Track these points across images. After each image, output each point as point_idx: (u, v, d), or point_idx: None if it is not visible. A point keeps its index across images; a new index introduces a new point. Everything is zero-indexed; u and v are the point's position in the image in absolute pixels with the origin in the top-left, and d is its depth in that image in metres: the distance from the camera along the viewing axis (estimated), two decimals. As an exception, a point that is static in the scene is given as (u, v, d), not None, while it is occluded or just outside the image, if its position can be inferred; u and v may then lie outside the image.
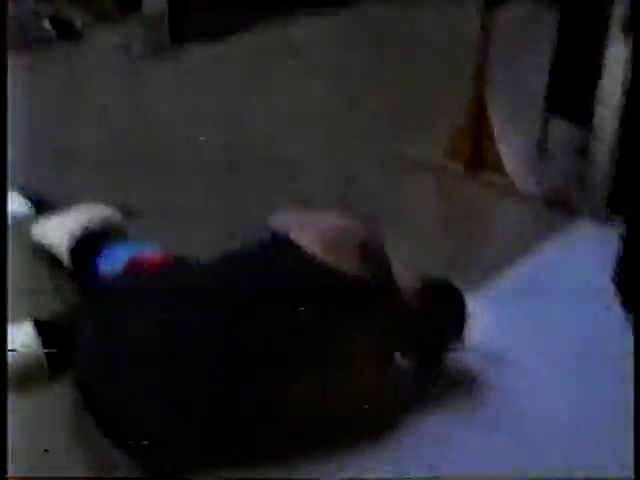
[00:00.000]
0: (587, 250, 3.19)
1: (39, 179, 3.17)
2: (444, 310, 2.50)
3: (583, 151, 3.47)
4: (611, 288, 2.69)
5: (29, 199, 3.00)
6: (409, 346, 2.51)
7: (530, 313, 2.78)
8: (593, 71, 3.28)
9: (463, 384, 2.47)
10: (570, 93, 3.65)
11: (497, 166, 3.57)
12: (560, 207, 3.41)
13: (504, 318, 2.67)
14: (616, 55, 3.18)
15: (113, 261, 2.66)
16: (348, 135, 3.83)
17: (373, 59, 4.70)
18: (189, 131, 3.75)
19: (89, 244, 2.75)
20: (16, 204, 2.95)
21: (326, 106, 4.09)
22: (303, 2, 5.17)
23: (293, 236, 2.37)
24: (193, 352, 2.13)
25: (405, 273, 2.53)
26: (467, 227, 3.46)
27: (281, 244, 2.39)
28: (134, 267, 2.56)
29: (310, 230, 2.43)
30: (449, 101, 3.85)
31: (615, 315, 2.65)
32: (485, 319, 2.61)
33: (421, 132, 3.87)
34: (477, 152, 3.60)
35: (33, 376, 2.35)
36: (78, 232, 2.78)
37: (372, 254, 2.39)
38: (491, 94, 3.62)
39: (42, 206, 3.01)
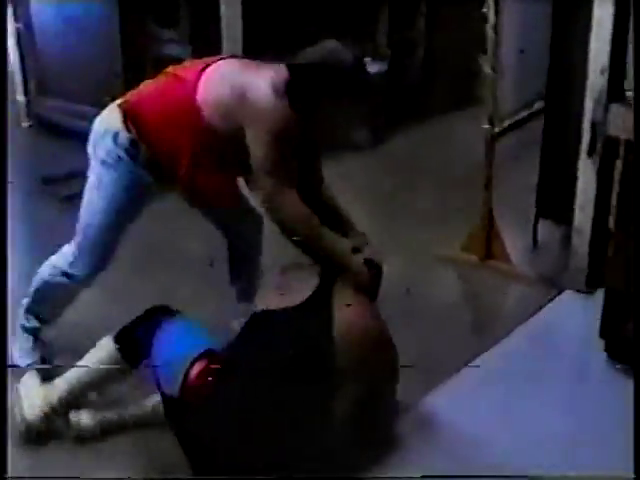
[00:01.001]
0: (574, 312, 3.71)
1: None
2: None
3: (566, 243, 3.97)
4: (596, 338, 3.23)
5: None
6: None
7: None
8: (570, 185, 3.77)
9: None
10: (554, 201, 4.12)
11: (503, 256, 4.06)
12: (551, 284, 3.90)
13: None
14: (587, 171, 3.66)
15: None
16: (391, 237, 4.22)
17: (403, 181, 5.25)
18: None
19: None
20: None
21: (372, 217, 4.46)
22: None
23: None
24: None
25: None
26: (481, 303, 3.95)
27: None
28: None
29: None
30: (465, 208, 4.31)
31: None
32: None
33: (444, 232, 4.38)
34: (488, 246, 4.07)
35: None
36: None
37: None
38: (496, 202, 4.10)
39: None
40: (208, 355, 2.63)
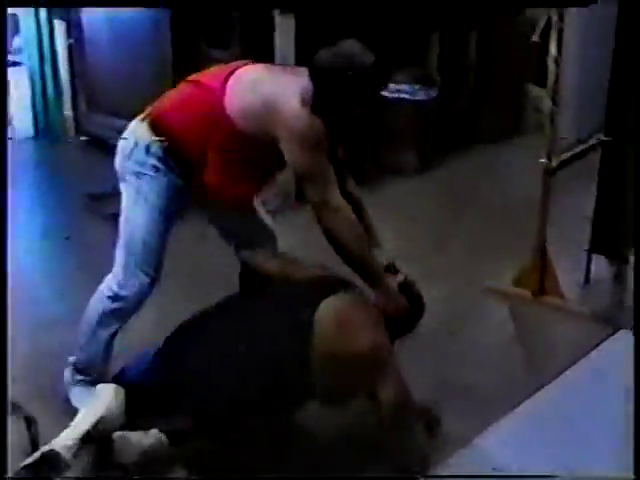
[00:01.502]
0: (629, 352, 3.33)
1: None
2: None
3: (620, 280, 3.98)
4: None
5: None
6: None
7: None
8: (626, 220, 3.81)
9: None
10: (609, 237, 4.07)
11: (556, 292, 4.03)
12: (605, 322, 3.82)
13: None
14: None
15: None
16: (437, 267, 4.33)
17: (458, 209, 5.24)
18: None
19: None
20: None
21: (418, 246, 4.67)
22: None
23: None
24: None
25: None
26: (532, 340, 3.87)
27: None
28: None
29: None
30: (516, 240, 4.29)
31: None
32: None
33: (494, 264, 4.39)
34: (541, 281, 4.03)
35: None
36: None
37: None
38: (549, 235, 4.06)
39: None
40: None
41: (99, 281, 3.20)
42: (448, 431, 3.08)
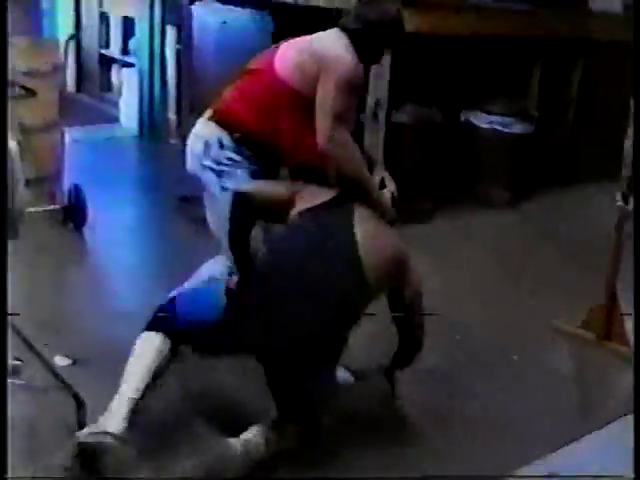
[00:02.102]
0: None
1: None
2: None
3: None
4: None
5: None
6: None
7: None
8: None
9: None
10: None
11: (622, 339, 3.93)
12: None
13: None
14: None
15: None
16: (506, 302, 4.35)
17: (533, 243, 5.25)
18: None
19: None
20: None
21: (491, 279, 4.69)
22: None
23: None
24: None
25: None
26: (592, 384, 3.82)
27: None
28: None
29: None
30: (591, 281, 4.16)
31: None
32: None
33: (565, 303, 4.30)
34: (608, 326, 3.98)
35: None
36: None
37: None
38: (621, 280, 4.00)
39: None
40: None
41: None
42: (485, 461, 3.05)
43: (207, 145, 3.17)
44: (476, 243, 5.26)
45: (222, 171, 3.16)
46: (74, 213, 5.05)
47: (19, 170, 4.66)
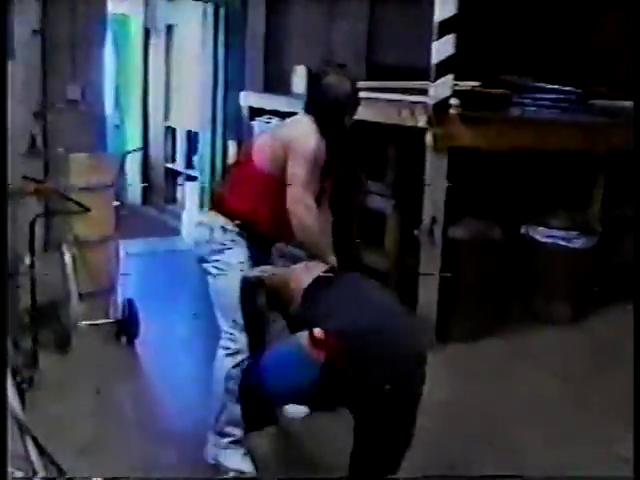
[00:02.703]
0: None
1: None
2: None
3: None
4: None
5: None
6: None
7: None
8: None
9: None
10: None
11: None
12: None
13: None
14: None
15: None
16: (568, 427, 4.24)
17: (597, 363, 5.11)
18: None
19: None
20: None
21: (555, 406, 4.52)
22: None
23: None
24: None
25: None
26: None
27: None
28: None
29: None
30: None
31: None
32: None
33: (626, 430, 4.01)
34: None
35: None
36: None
37: None
38: None
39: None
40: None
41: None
42: None
43: (212, 230, 3.66)
44: (537, 362, 5.12)
45: (226, 249, 3.62)
46: (127, 327, 5.08)
47: (73, 283, 4.76)
